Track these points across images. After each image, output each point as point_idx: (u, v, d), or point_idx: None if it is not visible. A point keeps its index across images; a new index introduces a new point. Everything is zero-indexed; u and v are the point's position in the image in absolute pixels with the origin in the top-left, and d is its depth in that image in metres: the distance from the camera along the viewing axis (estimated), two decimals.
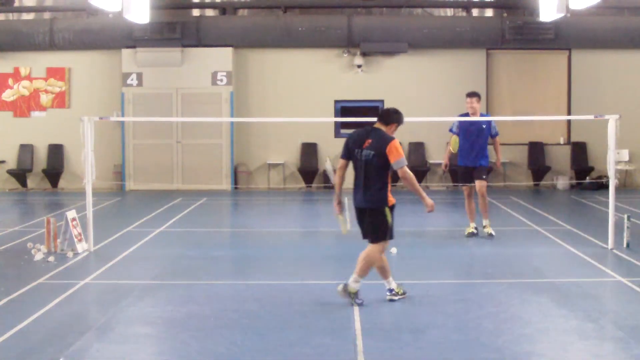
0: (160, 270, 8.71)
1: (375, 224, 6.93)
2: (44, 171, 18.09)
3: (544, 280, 8.00)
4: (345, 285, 6.99)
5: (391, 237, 7.04)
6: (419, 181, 17.79)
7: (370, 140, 6.87)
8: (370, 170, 6.83)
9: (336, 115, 17.92)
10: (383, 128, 7.00)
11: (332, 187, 17.40)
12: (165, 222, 12.32)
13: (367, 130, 7.00)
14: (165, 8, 17.41)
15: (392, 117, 7.06)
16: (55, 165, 18.13)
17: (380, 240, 6.97)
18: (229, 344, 5.84)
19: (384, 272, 7.17)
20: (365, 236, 7.07)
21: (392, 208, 6.98)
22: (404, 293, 7.21)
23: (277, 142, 18.16)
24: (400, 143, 6.97)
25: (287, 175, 18.26)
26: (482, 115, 11.15)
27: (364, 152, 6.86)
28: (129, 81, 17.65)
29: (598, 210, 13.68)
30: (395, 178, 7.02)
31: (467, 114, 10.95)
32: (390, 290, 7.16)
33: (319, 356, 5.58)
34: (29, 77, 18.20)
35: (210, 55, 17.61)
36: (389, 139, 6.86)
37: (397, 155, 6.78)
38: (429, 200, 6.94)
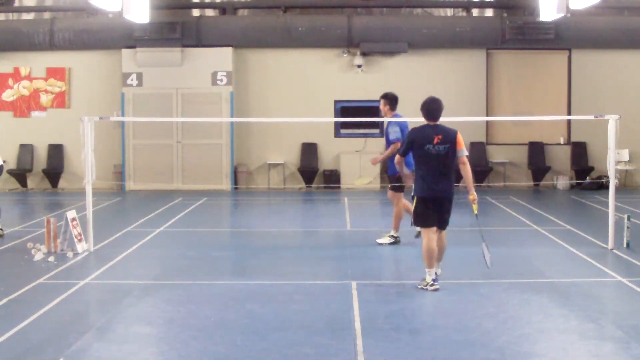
0: (160, 270, 8.71)
1: (448, 211, 7.71)
2: (44, 171, 18.09)
3: (544, 280, 8.00)
4: (437, 276, 7.62)
5: None
6: None
7: (440, 136, 7.56)
8: (448, 162, 7.56)
9: (336, 115, 17.92)
10: (437, 122, 7.69)
11: (332, 188, 17.40)
12: (165, 222, 12.32)
13: (432, 127, 7.65)
14: (165, 8, 17.41)
15: (440, 109, 7.69)
16: (55, 165, 18.13)
17: (446, 227, 7.77)
18: (229, 344, 5.85)
19: (433, 259, 7.66)
20: (441, 224, 7.70)
21: None
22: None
23: (277, 142, 18.17)
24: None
25: (287, 175, 18.26)
26: (395, 116, 10.23)
27: (439, 147, 7.55)
28: (129, 81, 17.65)
29: (598, 210, 13.68)
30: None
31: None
32: (434, 278, 7.65)
33: (319, 356, 5.58)
34: (29, 77, 18.20)
35: (210, 55, 17.61)
36: (455, 131, 7.65)
37: (463, 145, 7.64)
38: (474, 193, 7.68)
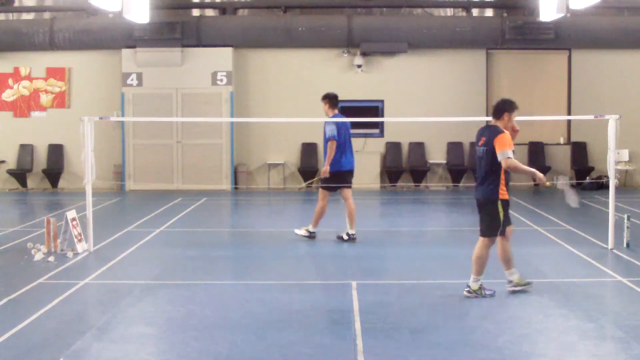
0: (160, 270, 8.71)
1: (485, 217, 7.25)
2: (44, 171, 18.09)
3: (544, 280, 7.99)
4: (468, 287, 7.32)
5: (502, 234, 7.25)
6: (419, 181, 17.89)
7: (484, 138, 7.22)
8: (486, 165, 7.16)
9: None
10: (498, 123, 7.28)
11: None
12: (165, 222, 12.32)
13: (484, 128, 7.37)
14: (165, 8, 17.41)
15: (500, 108, 7.29)
16: (55, 165, 18.13)
17: (488, 235, 7.26)
18: (229, 344, 5.85)
19: (505, 263, 7.41)
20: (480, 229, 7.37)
21: (505, 203, 7.19)
22: (527, 283, 7.42)
23: (277, 142, 18.16)
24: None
25: (287, 175, 18.26)
26: (334, 116, 10.41)
27: (479, 149, 7.26)
28: (129, 81, 17.65)
29: (598, 210, 13.68)
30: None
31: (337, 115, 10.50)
32: (510, 282, 7.42)
33: (319, 356, 5.58)
34: (29, 77, 18.21)
35: (210, 55, 17.61)
36: (498, 132, 7.13)
37: (501, 147, 7.02)
38: (539, 175, 7.21)
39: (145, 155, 17.68)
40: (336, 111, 10.43)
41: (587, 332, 6.13)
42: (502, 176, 7.13)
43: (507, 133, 7.14)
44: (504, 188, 7.15)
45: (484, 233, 7.28)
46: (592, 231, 10.85)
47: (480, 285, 7.30)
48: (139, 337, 6.15)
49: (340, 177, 10.30)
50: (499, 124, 7.24)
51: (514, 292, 7.37)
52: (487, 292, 7.29)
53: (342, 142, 10.23)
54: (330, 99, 10.40)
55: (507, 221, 7.27)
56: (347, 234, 10.44)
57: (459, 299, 7.25)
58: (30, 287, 7.69)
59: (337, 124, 10.19)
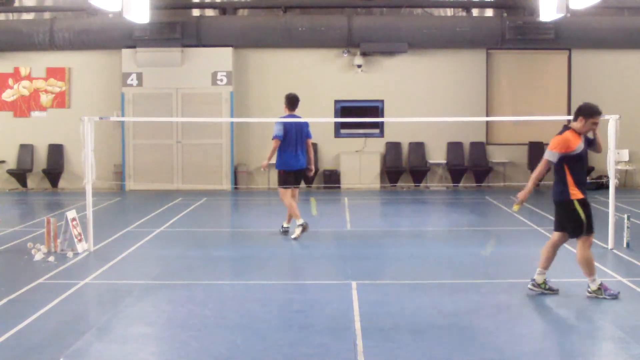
0: (160, 270, 8.72)
1: (564, 219, 7.23)
2: (44, 171, 18.09)
3: None
4: (589, 287, 7.17)
5: (589, 232, 7.19)
6: (419, 181, 17.88)
7: None
8: (555, 165, 7.16)
9: (336, 115, 17.92)
10: (573, 124, 7.20)
11: (332, 188, 17.34)
12: (165, 222, 12.32)
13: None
14: (165, 8, 17.41)
15: (576, 111, 7.20)
16: (55, 165, 18.13)
17: (576, 236, 7.20)
18: (229, 344, 5.85)
19: (542, 257, 7.39)
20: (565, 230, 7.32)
21: (582, 202, 7.12)
22: (549, 289, 7.33)
23: None
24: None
25: None
26: (287, 116, 10.78)
27: None
28: (129, 81, 17.65)
29: (598, 210, 13.67)
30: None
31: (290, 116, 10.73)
32: (532, 280, 7.37)
33: (319, 356, 5.58)
34: (29, 77, 18.20)
35: (210, 55, 17.61)
36: (559, 132, 7.15)
37: (549, 147, 7.12)
38: (522, 194, 7.31)
39: (145, 155, 17.68)
40: (292, 112, 10.73)
41: (587, 332, 6.13)
42: (569, 177, 7.12)
43: (565, 136, 7.07)
44: (575, 188, 7.11)
45: (570, 232, 7.24)
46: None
47: (600, 285, 7.16)
48: (139, 337, 6.16)
49: (292, 176, 10.67)
50: (574, 125, 7.17)
51: (531, 290, 7.30)
52: (608, 293, 7.12)
53: (292, 142, 10.57)
54: (288, 100, 10.77)
55: (591, 218, 7.18)
56: (300, 225, 10.62)
57: (459, 299, 7.24)
58: (30, 287, 7.69)
59: (285, 125, 10.51)
